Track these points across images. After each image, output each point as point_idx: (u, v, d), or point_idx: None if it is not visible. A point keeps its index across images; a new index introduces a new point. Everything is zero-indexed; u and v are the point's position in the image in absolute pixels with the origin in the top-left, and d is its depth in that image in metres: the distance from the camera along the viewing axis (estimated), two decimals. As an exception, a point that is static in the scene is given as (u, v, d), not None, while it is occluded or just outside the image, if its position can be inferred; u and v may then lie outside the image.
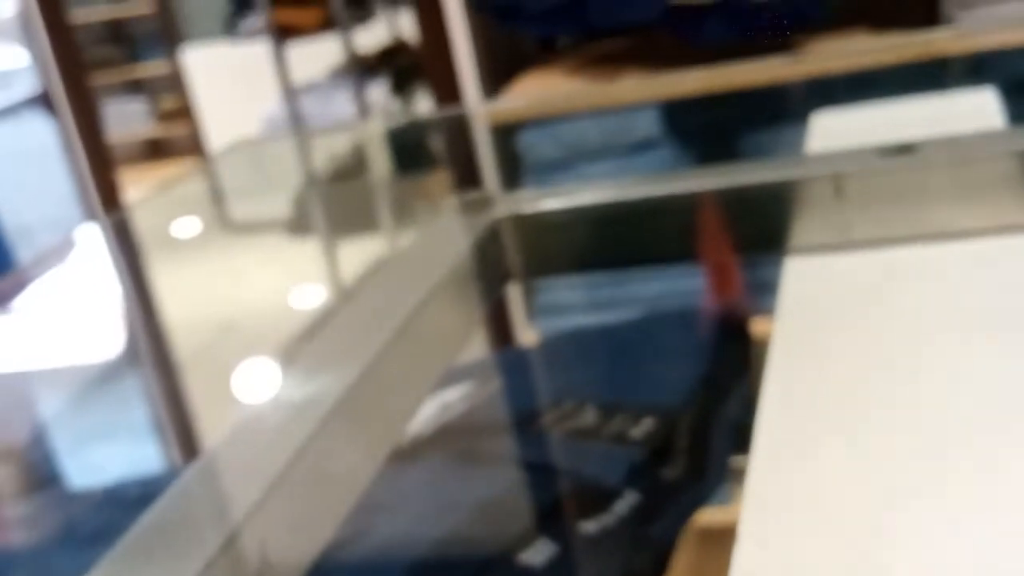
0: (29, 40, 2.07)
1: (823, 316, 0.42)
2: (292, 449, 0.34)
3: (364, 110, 3.13)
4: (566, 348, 0.59)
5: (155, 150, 5.55)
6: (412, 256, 0.45)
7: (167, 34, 4.53)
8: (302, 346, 0.42)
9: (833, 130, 0.55)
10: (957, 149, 0.42)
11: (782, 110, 1.57)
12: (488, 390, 0.51)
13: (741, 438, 0.56)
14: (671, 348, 0.55)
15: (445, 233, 0.46)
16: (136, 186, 5.53)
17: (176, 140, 5.37)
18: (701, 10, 1.57)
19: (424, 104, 3.32)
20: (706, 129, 1.65)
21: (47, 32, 2.02)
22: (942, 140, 0.43)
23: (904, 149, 0.43)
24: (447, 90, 1.87)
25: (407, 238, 0.48)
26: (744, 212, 0.45)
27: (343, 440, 0.37)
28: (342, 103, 3.17)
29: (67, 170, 2.50)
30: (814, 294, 0.43)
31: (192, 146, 4.86)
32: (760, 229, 0.46)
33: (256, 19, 3.15)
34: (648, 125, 1.55)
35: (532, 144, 1.61)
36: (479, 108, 1.70)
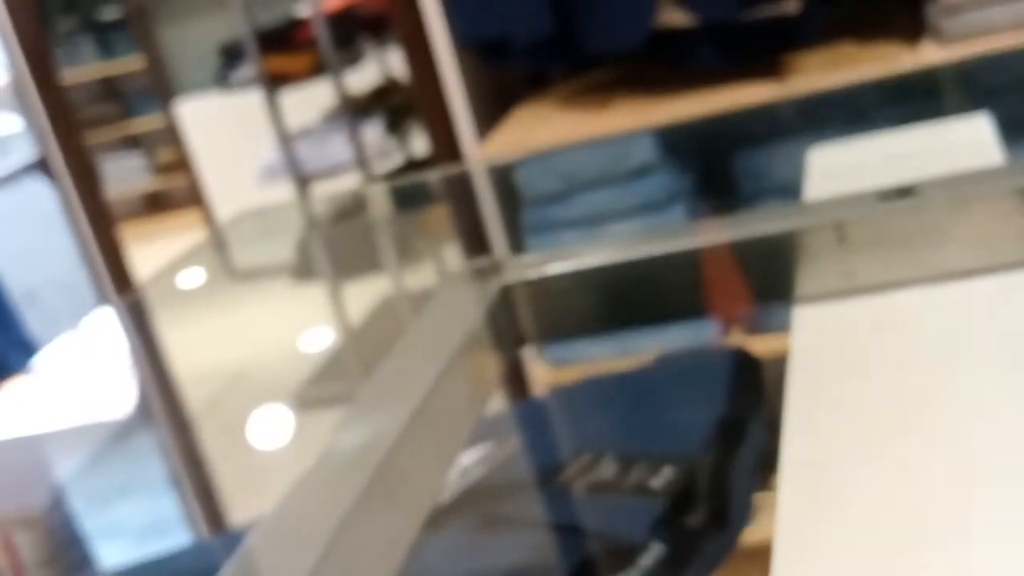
0: (24, 108, 2.09)
1: (835, 363, 0.42)
2: (333, 525, 0.35)
3: (360, 152, 3.15)
4: (578, 397, 0.59)
5: (155, 203, 5.58)
6: (426, 328, 0.46)
7: (159, 88, 4.56)
8: (333, 423, 0.43)
9: (830, 167, 0.56)
10: (956, 189, 0.43)
11: (776, 130, 1.58)
12: (504, 450, 0.52)
13: (762, 476, 0.56)
14: (684, 392, 0.56)
15: (456, 302, 0.47)
16: (138, 241, 5.56)
17: (175, 192, 5.40)
18: (688, 35, 1.58)
19: (419, 142, 3.34)
20: (702, 153, 1.65)
21: (41, 99, 2.04)
22: (941, 180, 0.44)
23: (904, 192, 0.44)
24: (441, 128, 1.88)
25: (419, 307, 0.49)
26: (749, 264, 0.46)
27: (381, 513, 0.37)
28: (338, 146, 3.18)
29: (69, 232, 2.52)
30: (824, 342, 0.43)
31: (191, 197, 4.88)
32: (766, 280, 0.46)
33: (247, 69, 3.18)
34: (644, 152, 1.56)
35: (530, 177, 1.62)
36: (479, 159, 1.70)
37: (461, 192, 1.42)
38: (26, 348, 2.57)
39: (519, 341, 0.49)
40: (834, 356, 0.43)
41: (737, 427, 0.51)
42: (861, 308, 0.44)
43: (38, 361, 2.57)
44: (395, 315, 3.41)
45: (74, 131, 2.13)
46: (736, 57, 1.58)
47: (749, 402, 0.52)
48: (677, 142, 1.60)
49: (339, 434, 0.40)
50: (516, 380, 1.37)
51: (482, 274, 0.48)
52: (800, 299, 0.46)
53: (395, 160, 3.49)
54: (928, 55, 1.46)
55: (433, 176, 1.46)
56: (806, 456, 0.36)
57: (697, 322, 0.52)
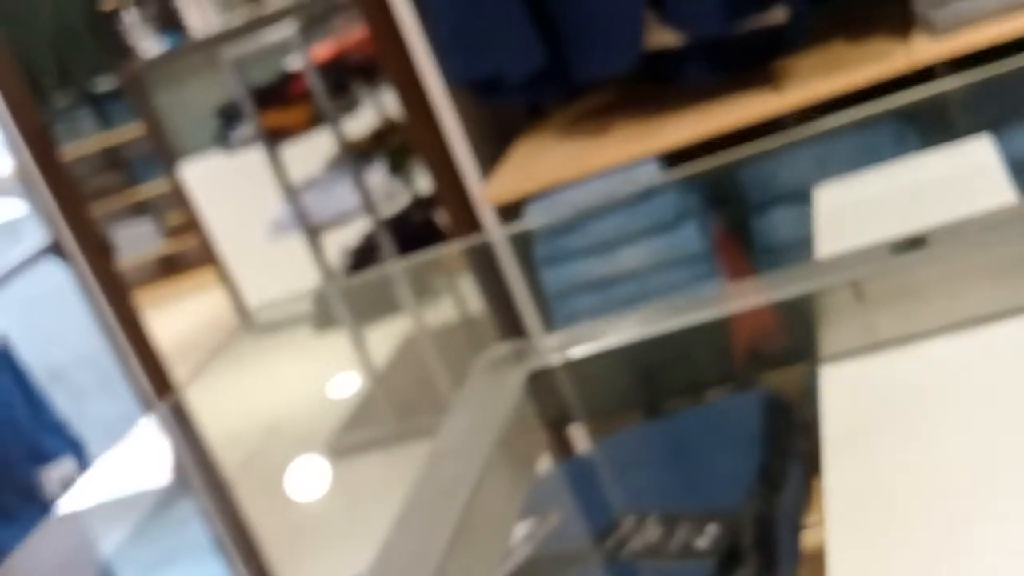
0: (31, 194, 2.12)
1: (867, 422, 0.42)
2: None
3: (366, 196, 3.16)
4: (614, 454, 0.59)
5: (168, 266, 5.62)
6: (461, 424, 0.46)
7: (162, 153, 4.60)
8: (388, 524, 0.43)
9: (838, 207, 0.56)
10: (967, 234, 0.43)
11: (778, 139, 1.58)
12: (549, 523, 0.52)
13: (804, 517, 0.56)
14: (718, 438, 0.56)
15: (488, 392, 0.47)
16: (156, 305, 5.60)
17: (187, 254, 5.43)
18: (679, 54, 1.58)
19: (424, 179, 3.35)
20: (708, 172, 1.65)
21: (47, 185, 2.06)
22: (951, 227, 0.44)
23: (916, 242, 0.44)
24: (442, 167, 1.89)
25: (454, 398, 0.49)
26: (771, 328, 0.46)
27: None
28: (344, 193, 3.20)
29: (88, 309, 2.54)
30: (853, 400, 0.44)
31: (203, 257, 4.91)
32: (789, 343, 0.46)
33: (246, 128, 3.20)
34: (649, 175, 1.56)
35: (540, 214, 1.62)
36: (499, 230, 1.70)
37: (484, 265, 1.44)
38: (59, 432, 2.59)
39: (555, 424, 0.49)
40: (864, 415, 0.43)
41: (775, 472, 0.51)
42: (886, 363, 0.45)
43: (75, 444, 2.58)
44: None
45: (82, 213, 2.15)
46: (729, 70, 1.59)
47: (784, 445, 0.52)
48: (682, 163, 1.60)
49: (393, 535, 0.40)
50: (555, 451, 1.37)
51: (511, 360, 0.48)
52: (824, 359, 0.46)
53: (402, 200, 3.51)
54: (921, 48, 1.46)
55: (454, 249, 1.47)
56: (850, 521, 0.36)
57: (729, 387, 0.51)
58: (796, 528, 0.53)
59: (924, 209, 0.50)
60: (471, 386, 0.48)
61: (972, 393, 0.41)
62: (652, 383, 0.48)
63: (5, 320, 2.77)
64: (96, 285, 2.23)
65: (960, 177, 0.52)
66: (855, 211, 0.53)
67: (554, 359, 0.47)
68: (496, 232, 1.66)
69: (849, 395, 0.44)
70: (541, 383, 0.46)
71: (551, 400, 0.47)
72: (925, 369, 0.43)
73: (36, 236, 2.73)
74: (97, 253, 2.21)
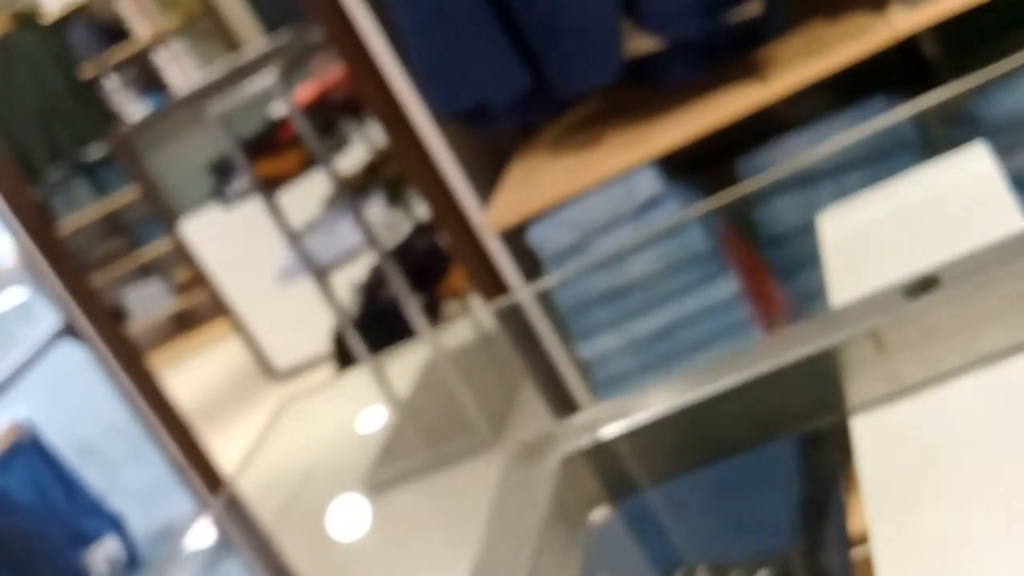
0: (39, 280, 2.13)
1: (902, 468, 0.42)
2: None
3: (368, 231, 3.16)
4: (658, 506, 0.59)
5: (182, 323, 5.63)
6: (503, 519, 0.46)
7: (160, 214, 4.61)
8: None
9: (844, 235, 0.55)
10: (978, 271, 0.42)
11: (767, 129, 1.58)
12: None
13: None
14: (759, 478, 0.55)
15: (524, 484, 0.47)
16: (174, 363, 5.60)
17: (199, 308, 5.45)
18: (660, 57, 1.58)
19: (422, 207, 3.35)
20: (704, 169, 1.65)
21: (52, 270, 2.07)
22: (961, 262, 0.43)
23: (928, 282, 0.44)
24: (438, 195, 1.88)
25: (488, 488, 0.49)
26: (797, 388, 0.45)
27: None
28: (345, 231, 3.20)
29: (108, 382, 2.55)
30: (887, 449, 0.43)
31: (215, 310, 4.93)
32: (817, 399, 0.46)
33: (240, 181, 3.21)
34: (648, 183, 1.56)
35: (544, 236, 1.62)
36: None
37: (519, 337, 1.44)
38: (97, 511, 2.60)
39: (590, 503, 0.49)
40: (900, 463, 0.42)
41: (817, 511, 0.50)
42: (914, 408, 0.44)
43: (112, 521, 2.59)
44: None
45: (90, 292, 2.16)
46: (711, 66, 1.58)
47: (824, 477, 0.52)
48: (678, 165, 1.59)
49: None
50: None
51: (542, 447, 0.48)
52: (853, 410, 0.46)
53: (404, 228, 3.51)
54: (899, 19, 1.45)
55: (485, 313, 1.47)
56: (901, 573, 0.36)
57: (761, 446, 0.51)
58: (845, 561, 0.53)
59: (930, 234, 0.50)
60: (507, 482, 0.47)
61: (1001, 429, 0.41)
62: (685, 453, 0.48)
63: (30, 406, 2.78)
64: (113, 360, 2.23)
65: (962, 192, 0.52)
66: (862, 240, 0.53)
67: (585, 442, 0.47)
68: (522, 291, 1.67)
69: (883, 444, 0.43)
70: (575, 467, 0.46)
71: (587, 482, 0.47)
72: (953, 410, 0.43)
73: (48, 317, 2.75)
74: (110, 329, 2.21)
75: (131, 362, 2.34)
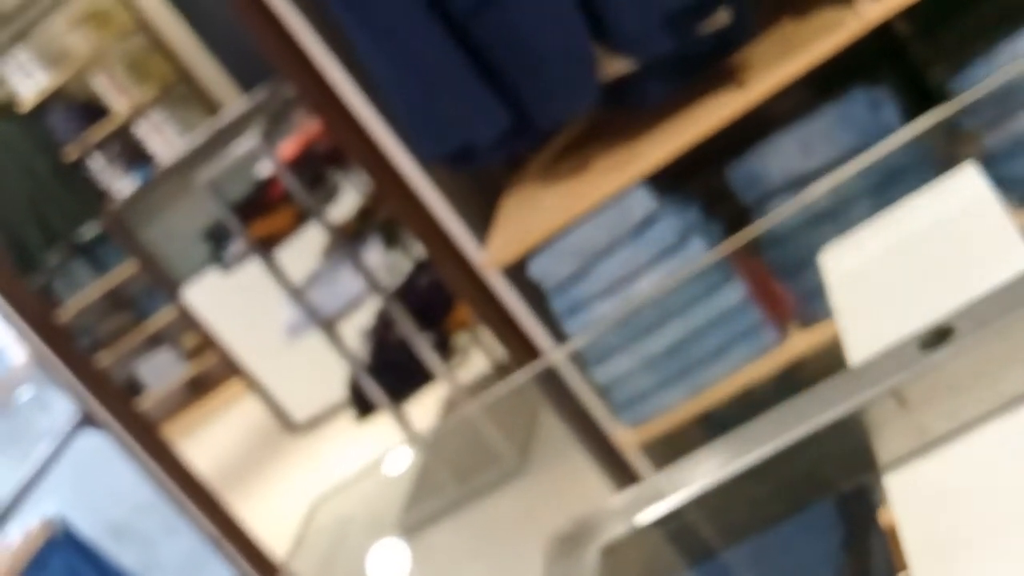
0: (52, 374, 2.13)
1: (942, 524, 0.42)
2: None
3: (369, 276, 3.17)
4: (704, 568, 0.58)
5: (196, 387, 5.64)
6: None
7: (162, 284, 4.63)
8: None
9: (848, 274, 0.55)
10: (991, 316, 0.42)
11: (749, 130, 1.58)
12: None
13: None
14: (804, 553, 0.55)
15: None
16: (193, 430, 5.60)
17: (212, 371, 5.45)
18: (636, 77, 1.58)
19: (419, 247, 3.35)
20: (694, 179, 1.65)
21: (63, 364, 2.07)
22: (973, 307, 0.43)
23: (943, 333, 0.44)
24: (435, 240, 1.88)
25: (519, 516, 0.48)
26: (827, 452, 0.45)
27: None
28: (347, 280, 3.21)
29: (131, 461, 2.55)
30: (924, 505, 0.43)
31: (227, 371, 4.93)
32: (848, 460, 0.46)
33: (237, 245, 3.22)
34: (641, 202, 1.56)
35: (544, 268, 1.62)
36: (495, 271, 1.70)
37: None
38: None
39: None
40: (939, 518, 0.42)
41: (862, 567, 0.50)
42: (945, 460, 0.44)
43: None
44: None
45: (102, 381, 2.16)
46: (688, 79, 1.58)
47: (864, 536, 0.52)
48: (669, 181, 1.59)
49: None
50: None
51: (579, 539, 0.47)
52: (885, 467, 0.46)
53: (404, 267, 3.51)
54: (868, 10, 1.46)
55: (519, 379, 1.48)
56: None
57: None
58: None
59: (935, 271, 0.50)
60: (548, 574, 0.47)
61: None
62: (724, 530, 0.47)
63: (59, 498, 2.78)
64: (134, 443, 2.24)
65: (961, 222, 0.52)
66: (866, 280, 0.53)
67: (622, 530, 0.47)
68: (555, 353, 1.67)
69: (919, 499, 0.43)
70: (614, 557, 0.46)
71: (628, 571, 0.47)
72: (984, 458, 0.43)
73: (64, 404, 2.76)
74: (126, 413, 2.21)
75: (151, 443, 2.34)
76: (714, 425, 1.86)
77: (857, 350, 0.50)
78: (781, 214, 1.42)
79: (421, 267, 3.50)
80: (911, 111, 1.53)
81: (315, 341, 3.44)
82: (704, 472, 0.45)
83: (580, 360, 1.70)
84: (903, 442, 0.45)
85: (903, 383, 0.43)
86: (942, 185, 0.55)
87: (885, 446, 0.45)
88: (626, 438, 1.74)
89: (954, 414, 0.44)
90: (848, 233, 0.58)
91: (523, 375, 1.37)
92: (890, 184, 1.47)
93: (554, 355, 1.64)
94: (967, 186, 0.54)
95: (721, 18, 1.46)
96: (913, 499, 0.43)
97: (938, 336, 0.44)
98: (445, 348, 3.38)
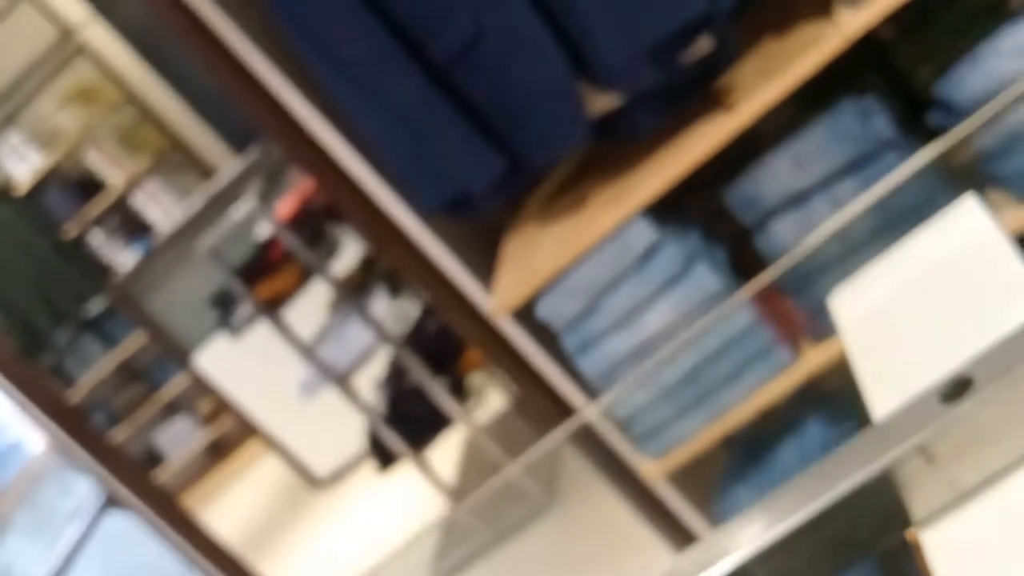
0: (74, 462, 2.13)
1: (982, 574, 0.41)
2: None
3: (377, 327, 3.17)
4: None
5: (216, 451, 5.63)
6: None
7: (172, 353, 4.64)
8: None
9: (858, 318, 0.55)
10: (1009, 365, 0.42)
11: (745, 152, 1.58)
12: None
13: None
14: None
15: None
16: (217, 495, 5.58)
17: (230, 433, 5.45)
18: (624, 111, 1.58)
19: (425, 294, 3.35)
20: (693, 206, 1.65)
21: (85, 450, 2.07)
22: (991, 357, 0.43)
23: (963, 385, 0.43)
24: (440, 290, 1.88)
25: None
26: (861, 514, 0.45)
27: None
28: (356, 333, 3.21)
29: (159, 538, 2.55)
30: (963, 558, 0.43)
31: (245, 432, 4.93)
32: (882, 520, 0.46)
33: (244, 308, 3.23)
34: (642, 234, 1.56)
35: (552, 309, 1.62)
36: (503, 317, 1.70)
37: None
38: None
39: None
40: (978, 570, 0.42)
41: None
42: (980, 510, 0.44)
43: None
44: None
45: (122, 463, 2.16)
46: (676, 108, 1.59)
47: (904, 572, 0.51)
48: (664, 208, 1.59)
49: None
50: None
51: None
52: (919, 524, 0.45)
53: (412, 314, 3.51)
54: (848, 23, 1.46)
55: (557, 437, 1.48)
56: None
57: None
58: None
59: (946, 313, 0.50)
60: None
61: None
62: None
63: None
64: (160, 520, 2.23)
65: (967, 259, 0.52)
66: (879, 326, 0.53)
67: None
68: (589, 409, 1.67)
69: (956, 553, 0.43)
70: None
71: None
72: (1018, 507, 0.43)
73: (87, 485, 2.75)
74: (150, 492, 2.21)
75: (175, 516, 2.33)
76: (735, 444, 1.85)
77: (878, 403, 0.49)
78: (797, 256, 1.42)
79: (428, 312, 3.50)
80: (900, 115, 1.53)
81: (331, 394, 3.44)
82: (739, 543, 0.45)
83: (598, 394, 1.70)
84: (935, 497, 0.44)
85: (928, 440, 0.43)
86: (944, 219, 0.55)
87: (918, 503, 0.44)
88: (651, 470, 1.73)
89: (983, 465, 0.44)
90: (854, 274, 0.57)
91: (560, 433, 1.36)
92: (888, 194, 1.47)
93: (588, 411, 1.64)
94: (969, 220, 0.54)
95: (704, 45, 1.46)
96: (950, 554, 0.42)
97: (958, 387, 0.43)
98: (460, 390, 3.38)
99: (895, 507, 0.44)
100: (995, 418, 0.43)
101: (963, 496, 0.44)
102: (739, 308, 1.55)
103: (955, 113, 1.42)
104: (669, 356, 1.52)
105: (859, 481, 0.43)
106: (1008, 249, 0.49)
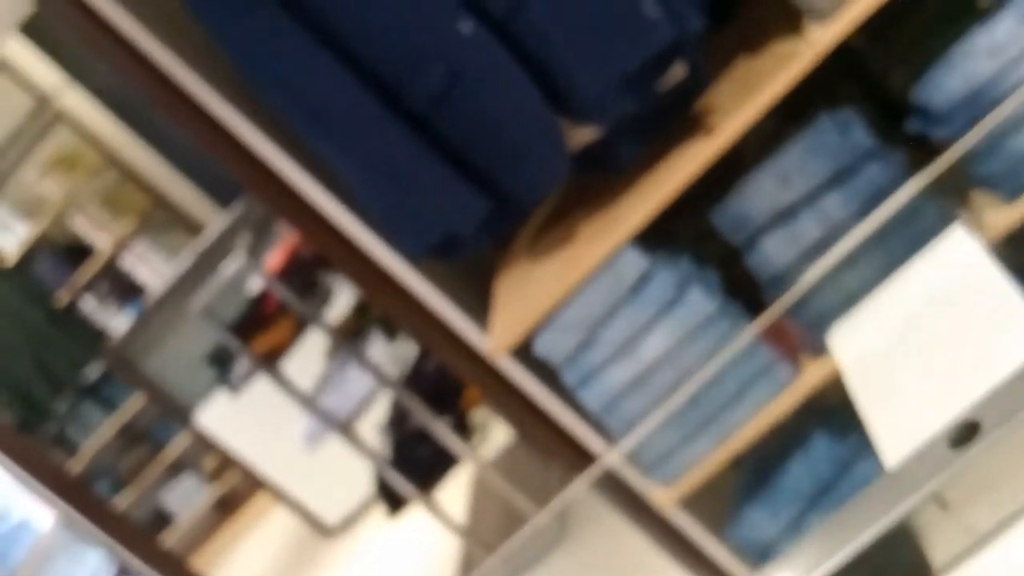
0: (83, 536, 2.12)
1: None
2: None
3: (376, 372, 3.16)
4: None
5: (225, 507, 5.59)
6: None
7: (173, 413, 4.62)
8: None
9: (858, 351, 0.55)
10: (1014, 407, 0.42)
11: (728, 171, 1.58)
12: None
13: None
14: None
15: None
16: (228, 551, 5.54)
17: (237, 488, 5.42)
18: (604, 142, 1.59)
19: (422, 339, 3.34)
20: (681, 230, 1.65)
21: (92, 523, 2.05)
22: (995, 398, 0.43)
23: (971, 429, 0.43)
24: (436, 334, 1.87)
25: None
26: (881, 565, 0.45)
27: None
28: (356, 379, 3.20)
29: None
30: None
31: (252, 485, 4.90)
32: (904, 569, 0.45)
33: (241, 364, 3.21)
34: (633, 264, 1.56)
35: (549, 345, 1.62)
36: (503, 357, 1.69)
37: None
38: None
39: None
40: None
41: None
42: (998, 552, 0.43)
43: None
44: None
45: (131, 534, 2.15)
46: (655, 136, 1.59)
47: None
48: (652, 234, 1.59)
49: None
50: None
51: None
52: (940, 570, 0.45)
53: (410, 355, 3.50)
54: (818, 38, 1.47)
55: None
56: None
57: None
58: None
59: (946, 347, 0.50)
60: None
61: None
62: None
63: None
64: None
65: (960, 291, 0.52)
66: (880, 365, 0.52)
67: None
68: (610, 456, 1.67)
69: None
70: None
71: None
72: None
73: (97, 557, 2.73)
74: (157, 556, 2.19)
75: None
76: (743, 465, 1.84)
77: (888, 449, 0.49)
78: (801, 289, 1.42)
79: (426, 352, 3.49)
80: (878, 123, 1.53)
81: (335, 442, 3.42)
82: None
83: (604, 427, 1.69)
84: (953, 543, 0.44)
85: (941, 486, 0.43)
86: (936, 251, 0.55)
87: (937, 549, 0.44)
88: (662, 497, 1.72)
89: (996, 508, 0.43)
90: (851, 312, 0.57)
91: (581, 483, 1.36)
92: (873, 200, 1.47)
93: (610, 457, 1.63)
94: (960, 250, 0.54)
95: (678, 72, 1.47)
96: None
97: (966, 432, 0.43)
98: (464, 428, 3.37)
99: (916, 556, 0.43)
100: (1005, 461, 0.42)
101: (980, 540, 0.44)
102: (738, 331, 1.55)
103: (934, 118, 1.42)
104: (686, 394, 1.52)
105: (876, 533, 0.42)
106: (1003, 282, 0.49)
